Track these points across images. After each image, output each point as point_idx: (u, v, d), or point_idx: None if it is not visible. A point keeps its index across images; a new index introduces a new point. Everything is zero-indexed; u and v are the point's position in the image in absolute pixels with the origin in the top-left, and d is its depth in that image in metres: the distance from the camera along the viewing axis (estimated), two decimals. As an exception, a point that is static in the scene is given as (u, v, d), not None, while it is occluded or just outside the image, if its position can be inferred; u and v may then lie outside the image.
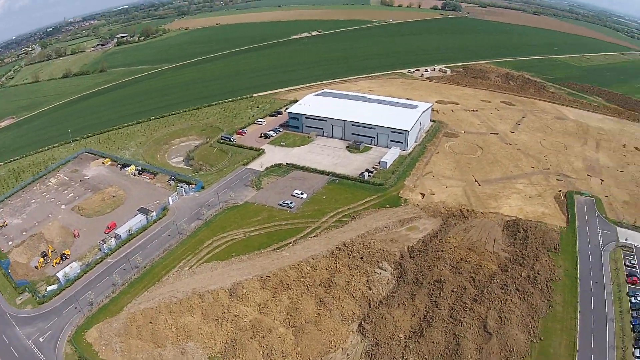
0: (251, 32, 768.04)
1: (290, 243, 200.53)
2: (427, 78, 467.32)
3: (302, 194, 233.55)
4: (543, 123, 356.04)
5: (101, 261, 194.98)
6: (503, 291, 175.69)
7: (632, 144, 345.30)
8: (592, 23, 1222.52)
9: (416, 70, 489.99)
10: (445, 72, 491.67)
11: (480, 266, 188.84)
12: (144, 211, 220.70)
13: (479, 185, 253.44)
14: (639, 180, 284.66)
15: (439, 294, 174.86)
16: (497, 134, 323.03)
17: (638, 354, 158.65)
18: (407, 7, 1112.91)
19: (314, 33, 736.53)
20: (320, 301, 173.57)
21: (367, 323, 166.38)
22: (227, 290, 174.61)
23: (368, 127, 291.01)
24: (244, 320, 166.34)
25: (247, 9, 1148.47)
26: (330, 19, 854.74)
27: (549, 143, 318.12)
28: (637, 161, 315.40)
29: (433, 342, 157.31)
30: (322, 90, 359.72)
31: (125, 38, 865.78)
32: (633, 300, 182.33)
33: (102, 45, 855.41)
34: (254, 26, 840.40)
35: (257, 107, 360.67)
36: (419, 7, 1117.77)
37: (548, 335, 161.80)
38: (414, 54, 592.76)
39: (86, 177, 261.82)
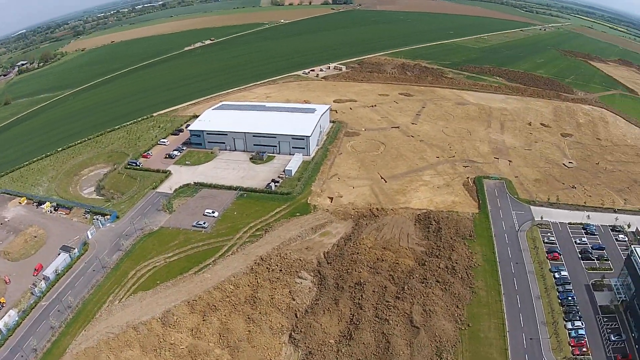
0: (146, 47, 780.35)
1: (210, 264, 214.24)
2: (322, 77, 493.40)
3: (213, 212, 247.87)
4: (444, 110, 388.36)
5: (35, 305, 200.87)
6: (424, 285, 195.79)
7: (538, 120, 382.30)
8: (488, 2, 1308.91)
9: (311, 70, 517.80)
10: (341, 70, 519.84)
11: (398, 263, 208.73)
12: (66, 249, 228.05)
13: (386, 181, 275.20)
14: (549, 157, 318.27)
15: (361, 296, 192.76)
16: (398, 127, 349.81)
17: (570, 327, 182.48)
18: (298, 5, 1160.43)
19: (207, 42, 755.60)
20: (249, 318, 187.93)
21: (297, 333, 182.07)
22: (159, 320, 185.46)
23: (269, 137, 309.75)
24: (181, 347, 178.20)
25: (140, 23, 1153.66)
26: (222, 26, 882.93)
27: (452, 130, 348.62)
28: (545, 138, 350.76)
29: (364, 343, 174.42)
30: (220, 103, 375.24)
31: (25, 65, 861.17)
32: (557, 275, 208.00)
33: (4, 75, 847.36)
34: (148, 40, 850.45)
35: (159, 126, 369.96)
36: (310, 3, 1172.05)
37: (476, 320, 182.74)
38: (308, 53, 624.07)
39: (6, 219, 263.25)
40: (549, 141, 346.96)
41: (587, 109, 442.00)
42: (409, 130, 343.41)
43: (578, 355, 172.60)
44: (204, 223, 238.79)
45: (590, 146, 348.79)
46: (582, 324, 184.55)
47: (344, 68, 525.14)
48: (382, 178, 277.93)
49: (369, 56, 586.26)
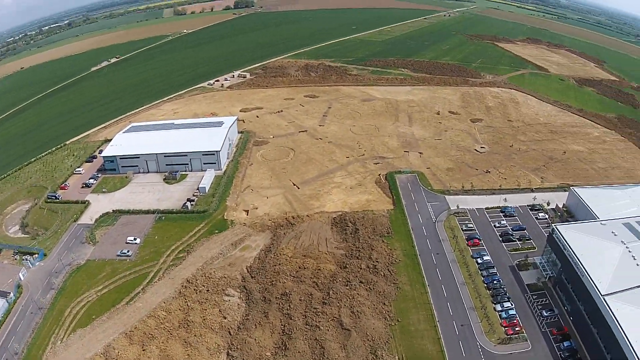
0: (54, 71, 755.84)
1: (139, 292, 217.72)
2: (227, 87, 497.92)
3: (135, 239, 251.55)
4: (350, 109, 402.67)
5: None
6: (348, 287, 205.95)
7: (447, 108, 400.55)
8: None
9: (216, 80, 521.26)
10: (245, 77, 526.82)
11: (320, 269, 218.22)
12: (3, 294, 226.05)
13: (298, 188, 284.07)
14: (460, 144, 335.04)
15: (289, 306, 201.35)
16: (306, 131, 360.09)
17: (500, 308, 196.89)
18: (200, 12, 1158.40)
19: (113, 60, 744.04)
20: (185, 342, 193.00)
21: (234, 350, 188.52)
22: (101, 355, 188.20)
23: (180, 155, 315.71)
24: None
25: (47, 46, 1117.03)
26: (127, 41, 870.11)
27: (360, 128, 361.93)
28: (454, 125, 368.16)
29: (299, 352, 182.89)
30: (130, 125, 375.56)
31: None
32: (479, 261, 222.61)
33: None
34: (56, 64, 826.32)
35: (73, 155, 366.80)
36: (212, 10, 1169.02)
37: (404, 315, 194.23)
38: (212, 62, 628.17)
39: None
40: (459, 128, 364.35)
41: (496, 92, 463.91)
42: (317, 133, 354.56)
43: (512, 335, 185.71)
44: (128, 251, 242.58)
45: (502, 129, 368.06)
46: (512, 305, 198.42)
47: (248, 75, 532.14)
48: (294, 185, 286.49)
49: (272, 60, 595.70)
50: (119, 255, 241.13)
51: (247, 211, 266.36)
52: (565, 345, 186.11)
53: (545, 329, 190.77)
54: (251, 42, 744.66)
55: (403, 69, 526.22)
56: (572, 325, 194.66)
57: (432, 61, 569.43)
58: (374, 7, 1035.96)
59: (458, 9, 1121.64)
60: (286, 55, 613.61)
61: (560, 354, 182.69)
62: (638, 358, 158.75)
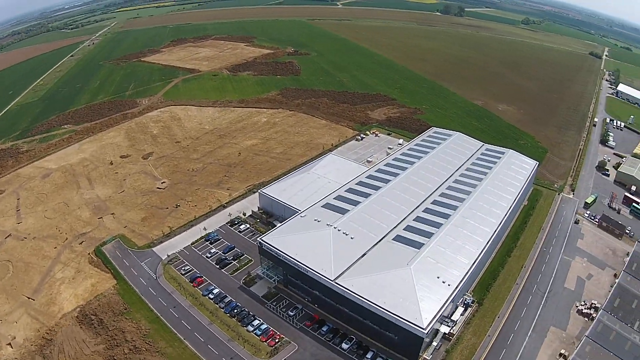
0: None
1: None
2: None
3: None
4: (36, 192, 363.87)
5: None
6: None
7: (117, 154, 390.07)
8: (33, 36, 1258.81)
9: None
10: None
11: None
12: None
13: (34, 300, 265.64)
14: (142, 188, 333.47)
15: None
16: (10, 235, 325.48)
17: (251, 328, 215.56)
18: None
19: None
20: None
21: None
22: None
23: None
24: None
25: None
26: None
27: (52, 211, 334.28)
28: (130, 170, 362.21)
29: None
30: None
31: None
32: (211, 296, 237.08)
33: None
34: None
35: None
36: None
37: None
38: None
39: None
40: (135, 171, 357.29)
41: (157, 115, 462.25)
42: (20, 233, 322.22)
43: (275, 345, 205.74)
44: None
45: (173, 154, 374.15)
46: (260, 320, 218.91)
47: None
48: (29, 298, 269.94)
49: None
50: None
51: (9, 344, 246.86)
52: (324, 329, 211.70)
53: (299, 325, 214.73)
54: None
55: (66, 126, 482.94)
56: (321, 311, 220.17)
57: (89, 105, 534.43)
58: (20, 62, 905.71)
59: (100, 32, 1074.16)
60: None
61: (324, 338, 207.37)
62: (390, 313, 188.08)
